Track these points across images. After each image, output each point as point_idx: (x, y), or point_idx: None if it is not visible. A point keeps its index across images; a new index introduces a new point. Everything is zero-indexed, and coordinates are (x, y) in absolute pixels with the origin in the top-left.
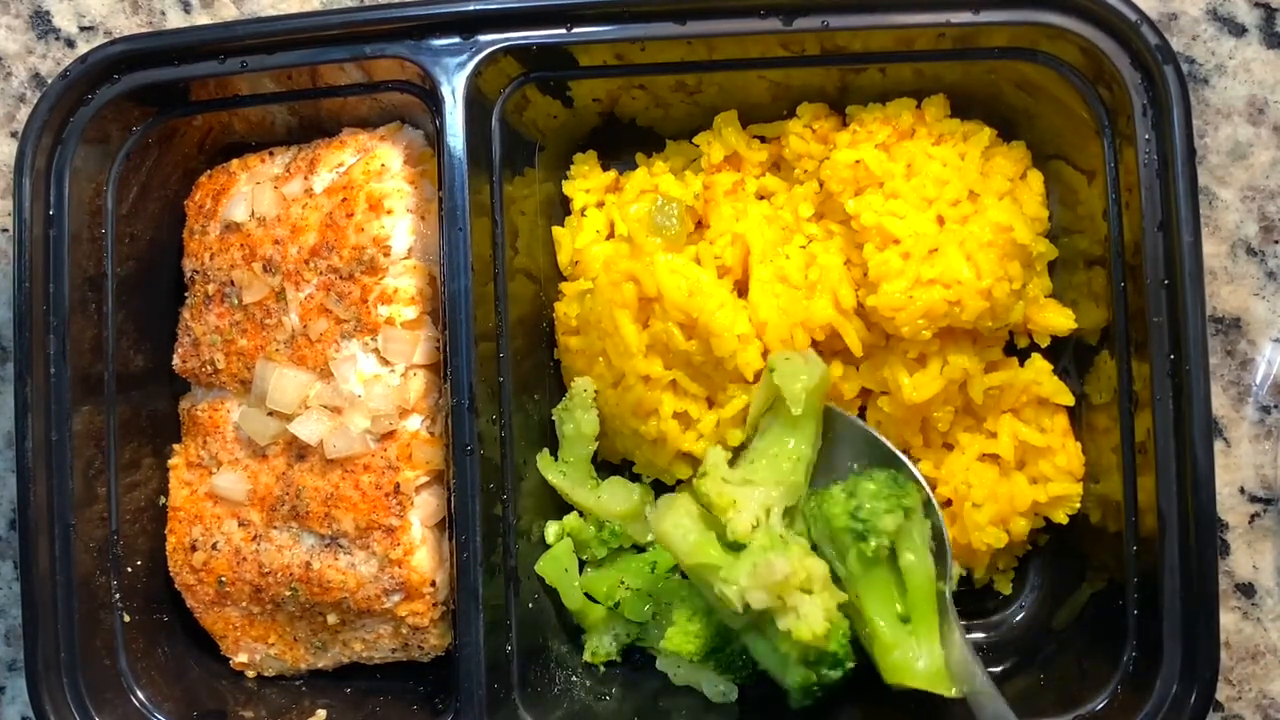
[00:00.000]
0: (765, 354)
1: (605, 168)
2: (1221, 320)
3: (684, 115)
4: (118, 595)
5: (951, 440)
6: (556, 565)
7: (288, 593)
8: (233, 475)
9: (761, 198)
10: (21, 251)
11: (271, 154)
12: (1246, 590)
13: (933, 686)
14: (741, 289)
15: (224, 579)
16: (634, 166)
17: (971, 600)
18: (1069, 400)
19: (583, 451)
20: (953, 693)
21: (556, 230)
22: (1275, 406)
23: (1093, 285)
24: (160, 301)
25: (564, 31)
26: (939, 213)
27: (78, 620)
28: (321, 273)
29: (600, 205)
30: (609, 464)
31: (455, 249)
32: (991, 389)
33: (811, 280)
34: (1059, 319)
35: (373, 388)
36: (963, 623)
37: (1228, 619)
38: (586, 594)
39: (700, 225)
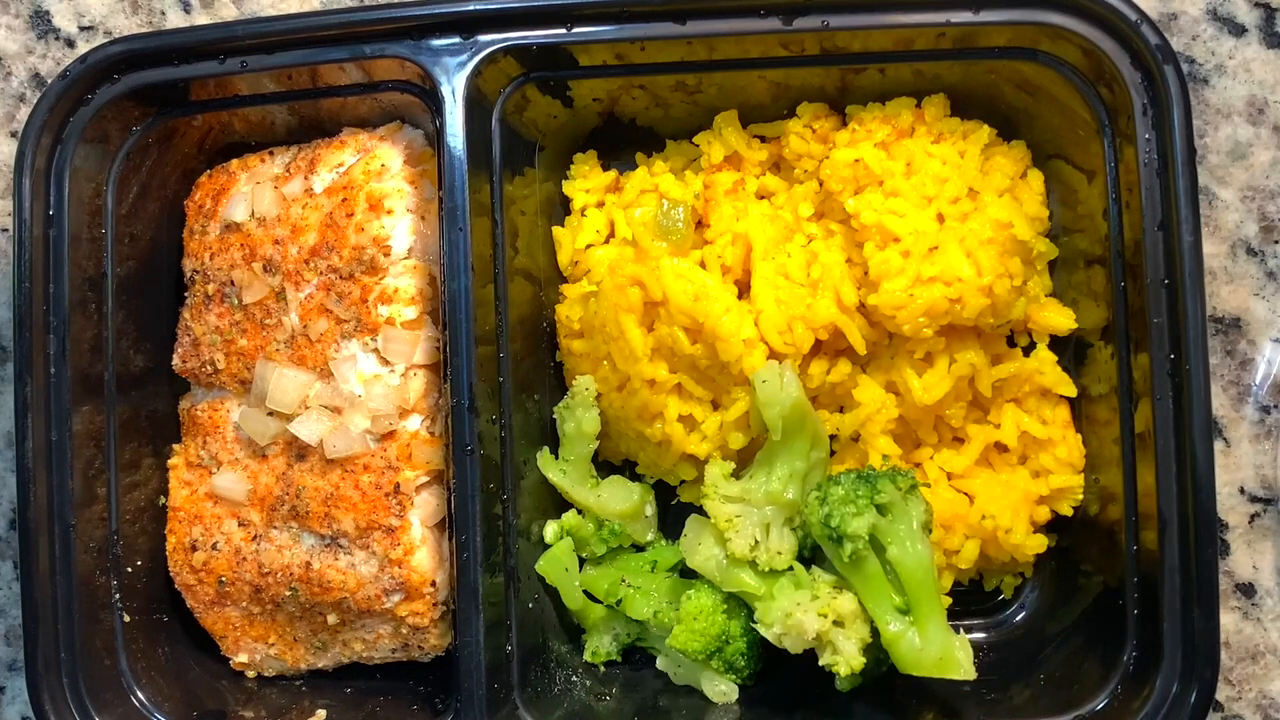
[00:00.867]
0: (770, 356)
1: (605, 168)
2: (1221, 320)
3: (684, 115)
4: (118, 595)
5: (963, 435)
6: (556, 565)
7: (288, 593)
8: (233, 475)
9: (762, 197)
10: (21, 251)
11: (271, 154)
12: (1246, 590)
13: (943, 673)
14: (743, 288)
15: (224, 579)
16: (634, 166)
17: (972, 600)
18: (1071, 391)
19: (583, 450)
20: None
21: (557, 230)
22: (1275, 406)
23: (1093, 284)
24: (160, 301)
25: (564, 31)
26: (939, 210)
27: (78, 620)
28: (321, 273)
29: (600, 205)
30: (609, 464)
31: (455, 249)
32: (997, 380)
33: (813, 279)
34: (1059, 318)
35: (373, 388)
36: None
37: (1228, 619)
38: (586, 592)
39: (701, 225)
